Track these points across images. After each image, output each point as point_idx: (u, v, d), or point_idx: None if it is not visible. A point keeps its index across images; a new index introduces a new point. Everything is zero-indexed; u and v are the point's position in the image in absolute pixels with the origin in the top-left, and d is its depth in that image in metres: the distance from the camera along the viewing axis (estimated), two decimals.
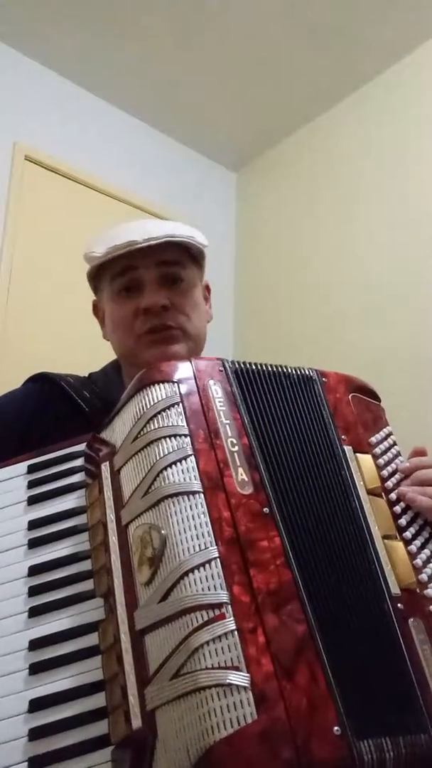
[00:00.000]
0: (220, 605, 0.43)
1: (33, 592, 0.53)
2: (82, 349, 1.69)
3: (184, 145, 2.73)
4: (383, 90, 2.31)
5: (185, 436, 0.52)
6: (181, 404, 0.55)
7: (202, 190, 2.76)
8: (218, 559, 0.45)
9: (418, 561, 0.53)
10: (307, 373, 0.63)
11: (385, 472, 0.59)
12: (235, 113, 2.54)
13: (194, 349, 0.80)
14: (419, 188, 2.12)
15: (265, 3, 2.04)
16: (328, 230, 2.43)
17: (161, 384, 0.56)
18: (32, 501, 0.60)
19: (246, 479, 0.51)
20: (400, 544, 0.53)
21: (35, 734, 0.45)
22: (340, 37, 2.15)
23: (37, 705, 0.47)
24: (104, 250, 0.77)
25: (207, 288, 0.90)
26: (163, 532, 0.48)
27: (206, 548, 0.46)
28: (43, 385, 0.82)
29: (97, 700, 0.46)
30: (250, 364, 0.61)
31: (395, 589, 0.50)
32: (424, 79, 2.17)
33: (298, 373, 0.63)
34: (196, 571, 0.45)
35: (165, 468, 0.50)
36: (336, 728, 0.39)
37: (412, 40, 2.17)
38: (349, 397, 0.64)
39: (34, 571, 0.54)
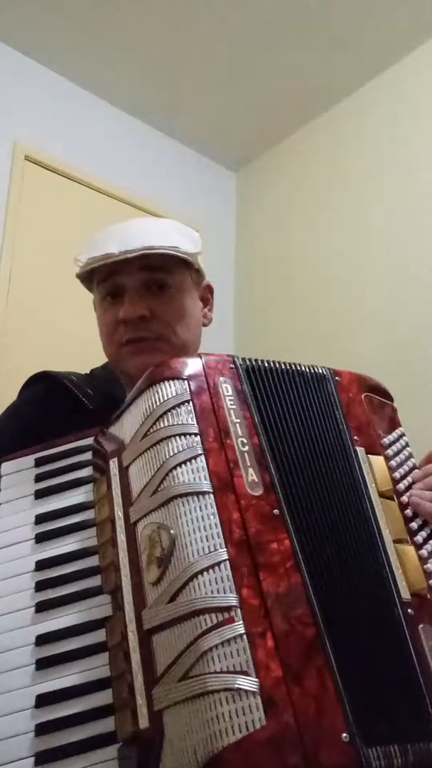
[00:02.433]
0: (229, 608, 0.43)
1: (40, 587, 0.53)
2: (83, 347, 1.67)
3: (184, 145, 2.72)
4: (383, 90, 2.30)
5: (195, 434, 0.52)
6: (191, 402, 0.54)
7: (202, 190, 2.75)
8: (227, 562, 0.45)
9: (429, 566, 0.52)
10: (320, 371, 0.62)
11: (397, 474, 0.59)
12: (235, 113, 2.53)
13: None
14: (420, 188, 2.10)
15: (265, 3, 2.02)
16: (328, 230, 2.41)
17: (171, 381, 0.56)
18: (39, 495, 0.60)
19: (256, 480, 0.50)
20: (411, 549, 0.53)
21: (42, 729, 0.45)
22: (340, 37, 2.14)
23: (43, 700, 0.47)
24: (84, 259, 0.75)
25: (208, 289, 0.86)
26: (172, 532, 0.47)
27: (215, 550, 0.45)
28: (46, 384, 0.82)
29: (104, 697, 0.46)
30: (261, 361, 0.60)
31: (405, 594, 0.49)
32: (424, 79, 2.15)
33: (312, 371, 0.62)
34: (205, 573, 0.44)
35: (174, 467, 0.50)
36: (344, 735, 0.39)
37: (412, 40, 2.16)
38: (362, 396, 0.63)
39: (42, 565, 0.54)
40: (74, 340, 2.02)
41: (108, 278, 0.76)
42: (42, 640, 0.50)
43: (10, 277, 2.07)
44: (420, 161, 2.11)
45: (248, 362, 0.60)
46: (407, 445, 0.64)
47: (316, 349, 2.29)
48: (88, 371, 0.87)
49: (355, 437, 0.59)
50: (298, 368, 0.62)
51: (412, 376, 1.95)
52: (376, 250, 2.20)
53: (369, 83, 2.34)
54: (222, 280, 2.68)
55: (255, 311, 2.67)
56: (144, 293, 0.75)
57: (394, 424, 0.65)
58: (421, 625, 0.47)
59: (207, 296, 0.86)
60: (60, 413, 0.77)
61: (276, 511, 0.49)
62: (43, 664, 0.49)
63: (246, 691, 0.39)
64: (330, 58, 2.23)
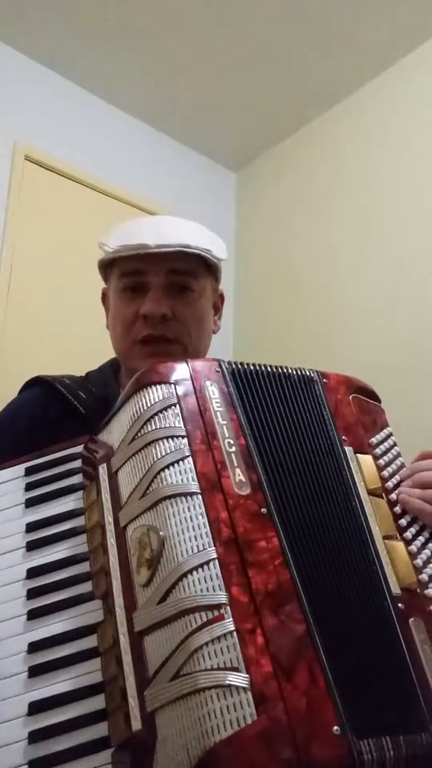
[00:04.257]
0: (219, 606, 0.43)
1: (31, 594, 0.53)
2: (82, 348, 1.69)
3: (184, 145, 2.74)
4: (383, 90, 2.32)
5: (182, 437, 0.52)
6: (178, 405, 0.54)
7: (202, 190, 2.77)
8: (216, 560, 0.45)
9: (419, 561, 0.53)
10: (307, 373, 0.63)
11: (385, 473, 0.59)
12: (235, 113, 2.55)
13: None
14: (419, 187, 2.12)
15: (265, 3, 2.04)
16: (328, 230, 2.43)
17: (158, 385, 0.56)
18: (30, 503, 0.60)
19: (243, 480, 0.50)
20: (400, 544, 0.53)
21: (35, 737, 0.45)
22: (340, 37, 2.16)
23: (36, 708, 0.46)
24: (116, 246, 0.75)
25: (221, 298, 0.88)
26: (161, 533, 0.47)
27: (204, 549, 0.46)
28: (40, 389, 0.82)
29: (97, 702, 0.46)
30: (247, 364, 0.61)
31: (396, 589, 0.50)
32: (424, 79, 2.18)
33: (299, 373, 0.63)
34: (194, 573, 0.44)
35: (163, 469, 0.50)
36: (335, 728, 0.39)
37: (412, 40, 2.18)
38: (350, 397, 0.64)
39: (33, 573, 0.54)
40: (74, 340, 2.05)
41: (133, 274, 0.77)
42: (34, 647, 0.50)
43: (10, 276, 2.08)
44: (420, 161, 2.13)
45: (234, 366, 0.60)
46: (395, 444, 0.65)
47: (316, 349, 2.31)
48: (83, 374, 0.88)
49: (344, 437, 0.59)
50: (285, 371, 0.62)
51: (411, 377, 1.97)
52: (376, 250, 2.22)
53: (369, 83, 2.36)
54: (222, 280, 2.69)
55: (254, 311, 2.68)
56: (167, 293, 0.76)
57: (381, 424, 0.65)
58: (411, 619, 0.48)
59: (219, 304, 0.88)
60: (53, 418, 0.77)
61: (264, 510, 0.49)
62: (35, 671, 0.48)
63: (237, 687, 0.39)
64: (330, 59, 2.26)
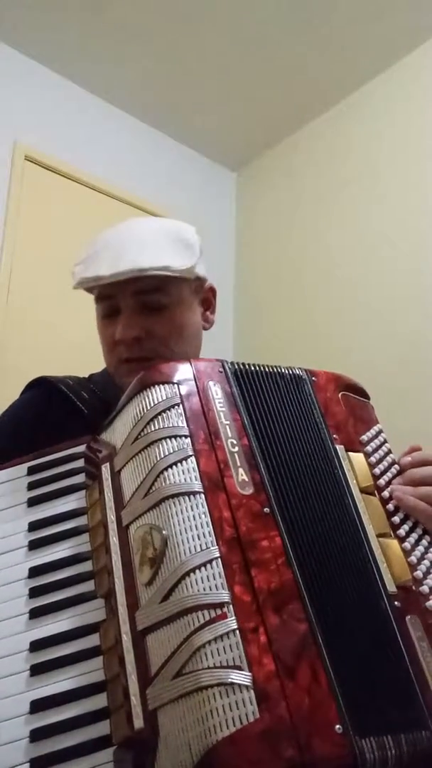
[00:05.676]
0: (221, 605, 0.43)
1: (34, 593, 0.53)
2: (82, 349, 1.68)
3: (184, 145, 2.74)
4: (383, 90, 2.33)
5: (186, 436, 0.53)
6: (181, 405, 0.55)
7: (202, 190, 2.78)
8: (219, 559, 0.45)
9: (413, 558, 0.53)
10: (297, 372, 0.64)
11: (377, 470, 0.59)
12: (235, 113, 2.55)
13: None
14: (419, 187, 2.12)
15: (265, 3, 2.05)
16: (328, 230, 2.44)
17: (161, 385, 0.57)
18: (32, 503, 0.60)
19: (246, 479, 0.51)
20: (394, 542, 0.53)
21: (37, 735, 0.45)
22: (340, 36, 2.16)
23: (38, 706, 0.46)
24: (77, 278, 0.75)
25: (210, 291, 0.85)
26: (164, 532, 0.48)
27: (207, 548, 0.46)
28: (42, 389, 0.83)
29: (99, 701, 0.46)
30: (248, 364, 0.61)
31: (391, 587, 0.50)
32: (424, 79, 2.18)
33: (290, 372, 0.63)
34: (197, 571, 0.45)
35: (166, 469, 0.51)
36: (338, 726, 0.39)
37: (412, 40, 2.18)
38: (339, 395, 0.64)
39: (35, 572, 0.54)
40: (74, 340, 2.04)
41: (104, 299, 0.77)
42: (36, 646, 0.50)
43: (10, 277, 2.08)
44: (420, 161, 2.13)
45: (236, 366, 0.61)
46: (386, 441, 0.65)
47: (316, 348, 2.31)
48: (86, 375, 0.88)
49: (334, 435, 0.60)
50: (280, 370, 0.63)
51: (411, 376, 1.97)
52: (376, 249, 2.22)
53: (369, 83, 2.37)
54: (222, 280, 2.69)
55: (255, 311, 2.68)
56: (139, 313, 0.75)
57: (371, 421, 0.66)
58: (408, 617, 0.48)
59: (209, 298, 0.85)
60: (55, 418, 0.77)
61: (266, 510, 0.49)
62: (37, 669, 0.48)
63: (239, 685, 0.40)
64: (330, 58, 2.26)
